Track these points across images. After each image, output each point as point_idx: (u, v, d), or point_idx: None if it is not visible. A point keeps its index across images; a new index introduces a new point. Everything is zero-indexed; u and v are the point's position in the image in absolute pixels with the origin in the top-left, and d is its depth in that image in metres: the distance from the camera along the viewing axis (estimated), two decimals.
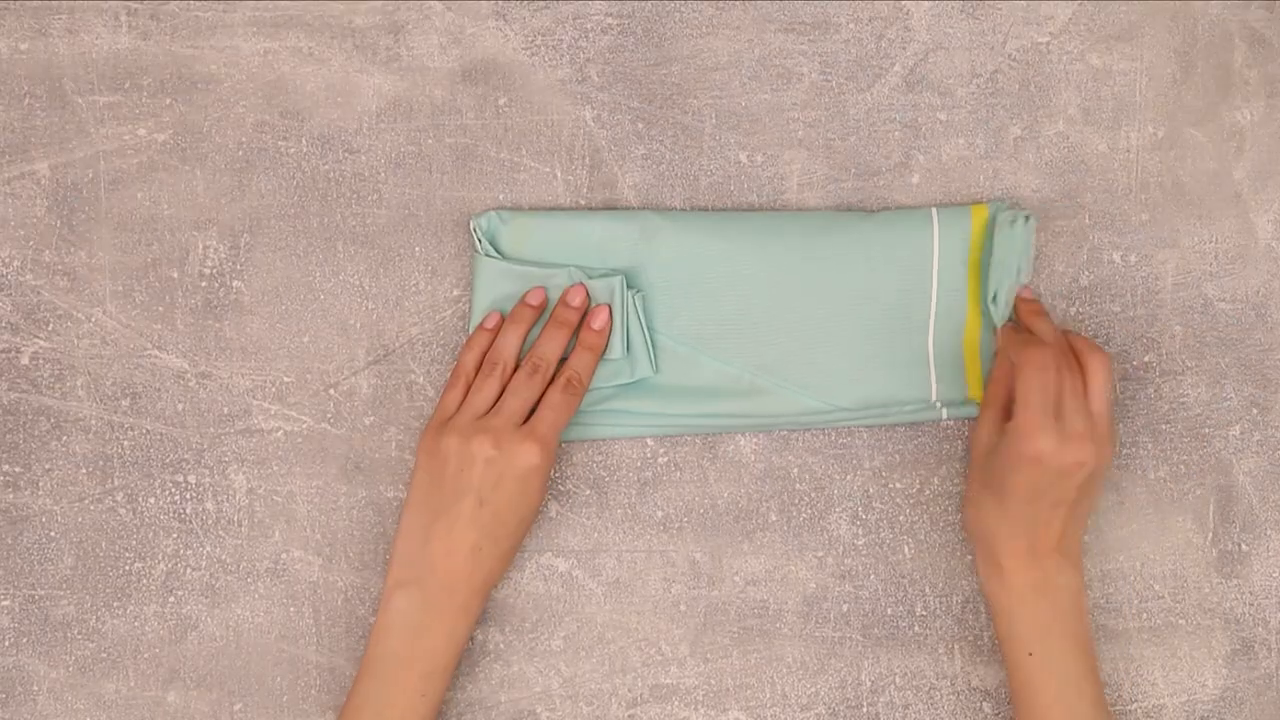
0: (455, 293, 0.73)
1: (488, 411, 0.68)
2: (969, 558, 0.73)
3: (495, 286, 0.71)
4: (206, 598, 0.72)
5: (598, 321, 0.70)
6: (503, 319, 0.71)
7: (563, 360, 0.70)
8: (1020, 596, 0.67)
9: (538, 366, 0.69)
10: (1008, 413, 0.67)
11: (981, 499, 0.67)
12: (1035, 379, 0.65)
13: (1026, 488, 0.65)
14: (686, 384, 0.72)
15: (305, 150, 0.73)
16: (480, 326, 0.71)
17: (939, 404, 0.73)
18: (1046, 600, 0.66)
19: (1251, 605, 0.74)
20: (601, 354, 0.70)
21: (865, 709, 0.72)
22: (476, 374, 0.70)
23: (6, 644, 0.72)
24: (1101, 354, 0.67)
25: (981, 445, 0.68)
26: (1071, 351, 0.68)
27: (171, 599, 0.72)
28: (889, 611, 0.73)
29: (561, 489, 0.73)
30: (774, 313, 0.72)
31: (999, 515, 0.67)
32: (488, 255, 0.71)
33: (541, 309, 0.71)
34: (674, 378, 0.72)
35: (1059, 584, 0.67)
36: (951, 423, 0.74)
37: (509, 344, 0.70)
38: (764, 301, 0.72)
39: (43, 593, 0.72)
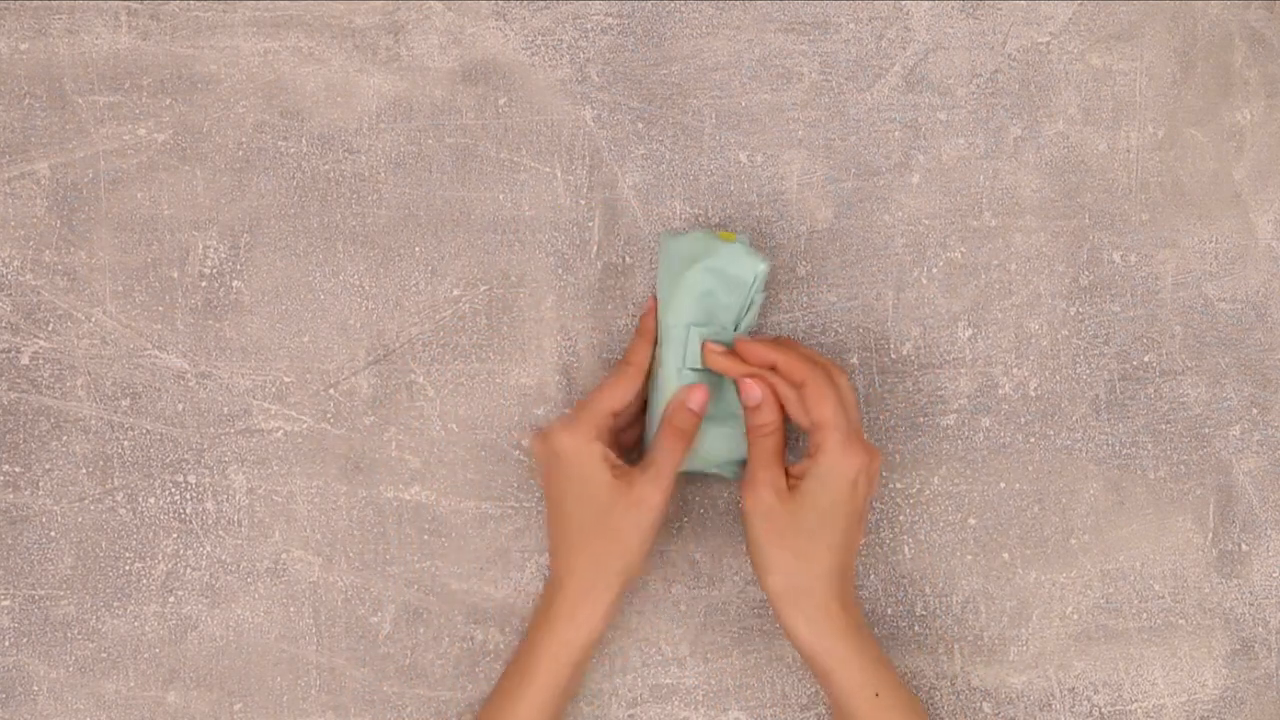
0: (455, 292, 0.73)
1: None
2: (969, 557, 0.73)
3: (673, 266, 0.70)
4: (206, 598, 0.72)
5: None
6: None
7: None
8: (851, 640, 0.64)
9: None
10: (783, 468, 0.66)
11: (799, 551, 0.64)
12: (830, 398, 0.64)
13: (852, 513, 0.64)
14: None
15: (305, 150, 0.73)
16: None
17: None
18: (864, 635, 0.65)
19: (1251, 605, 0.74)
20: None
21: None
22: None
23: (6, 644, 0.72)
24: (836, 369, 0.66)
25: (764, 506, 0.64)
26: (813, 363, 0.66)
27: (171, 599, 0.72)
28: (889, 611, 0.73)
29: None
30: None
31: (824, 562, 0.64)
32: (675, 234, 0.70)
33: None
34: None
35: (861, 615, 0.66)
36: (951, 422, 0.74)
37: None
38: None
39: (43, 593, 0.72)
